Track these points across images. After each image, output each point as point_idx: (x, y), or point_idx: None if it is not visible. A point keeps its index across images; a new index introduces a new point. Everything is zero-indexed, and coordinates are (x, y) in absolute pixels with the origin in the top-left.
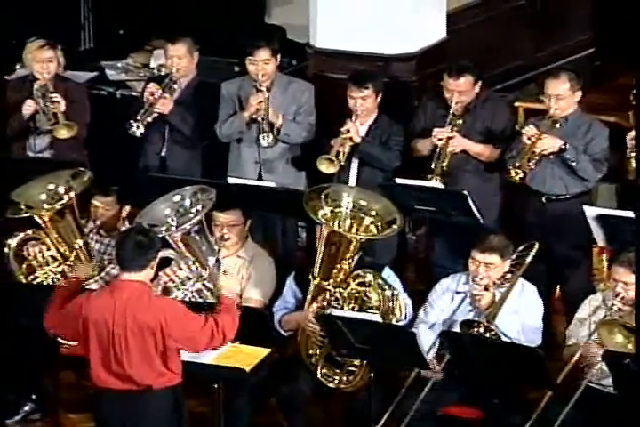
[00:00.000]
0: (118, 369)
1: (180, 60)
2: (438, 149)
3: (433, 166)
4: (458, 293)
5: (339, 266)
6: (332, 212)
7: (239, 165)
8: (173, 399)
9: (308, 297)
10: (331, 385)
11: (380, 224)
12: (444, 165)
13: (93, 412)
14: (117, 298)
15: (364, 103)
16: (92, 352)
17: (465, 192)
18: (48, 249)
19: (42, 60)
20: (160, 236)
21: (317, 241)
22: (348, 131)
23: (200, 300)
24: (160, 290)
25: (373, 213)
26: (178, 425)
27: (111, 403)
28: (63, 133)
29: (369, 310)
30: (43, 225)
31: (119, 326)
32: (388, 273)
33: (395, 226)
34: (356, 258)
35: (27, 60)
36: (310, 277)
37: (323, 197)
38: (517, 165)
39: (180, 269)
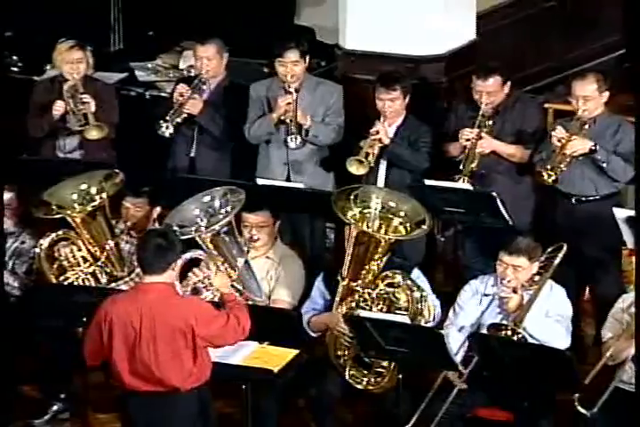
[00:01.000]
0: (145, 372)
1: (209, 61)
2: (467, 151)
3: (462, 167)
4: (486, 295)
5: (367, 267)
6: (360, 213)
7: (268, 166)
8: (200, 401)
9: (337, 298)
10: (359, 387)
11: (408, 225)
12: (474, 166)
13: (120, 413)
14: (143, 301)
15: (393, 105)
16: (117, 355)
17: (494, 193)
18: (79, 250)
19: (71, 61)
20: (189, 236)
21: (346, 242)
22: (377, 132)
23: None
24: (189, 290)
25: (402, 213)
26: (206, 424)
27: (137, 405)
28: (93, 134)
29: (397, 312)
30: (74, 226)
31: (147, 328)
32: (417, 274)
33: (424, 226)
34: (385, 259)
35: (56, 61)
36: (339, 278)
37: (352, 197)
38: (549, 167)
39: (209, 269)
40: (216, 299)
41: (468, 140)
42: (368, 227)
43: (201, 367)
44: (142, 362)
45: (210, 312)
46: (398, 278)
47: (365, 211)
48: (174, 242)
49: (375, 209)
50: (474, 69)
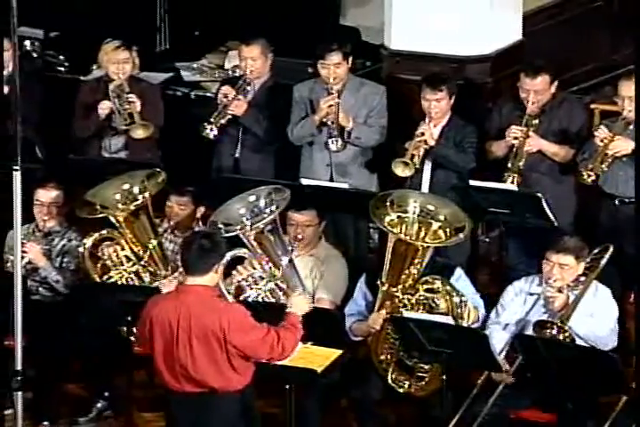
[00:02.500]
0: (183, 372)
1: (254, 61)
2: (515, 149)
3: (510, 165)
4: (531, 294)
5: (407, 272)
6: (398, 217)
7: (311, 167)
8: (241, 403)
9: (377, 304)
10: (401, 390)
11: (448, 230)
12: (521, 164)
13: (164, 412)
14: (182, 302)
15: (438, 105)
16: (158, 355)
17: (539, 194)
18: (122, 249)
19: (117, 62)
20: (234, 234)
21: (385, 247)
22: (423, 133)
23: (272, 300)
24: (233, 289)
25: (442, 217)
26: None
27: (179, 404)
28: (139, 133)
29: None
30: (117, 225)
31: (183, 329)
32: (459, 274)
33: (461, 235)
34: (424, 263)
35: (102, 62)
36: (378, 283)
37: (388, 203)
38: (590, 167)
39: (254, 268)
40: (259, 298)
41: (515, 138)
42: (407, 232)
43: (240, 371)
44: (180, 363)
45: (246, 321)
46: (438, 284)
47: (404, 215)
48: (219, 244)
49: (413, 213)
50: (522, 68)
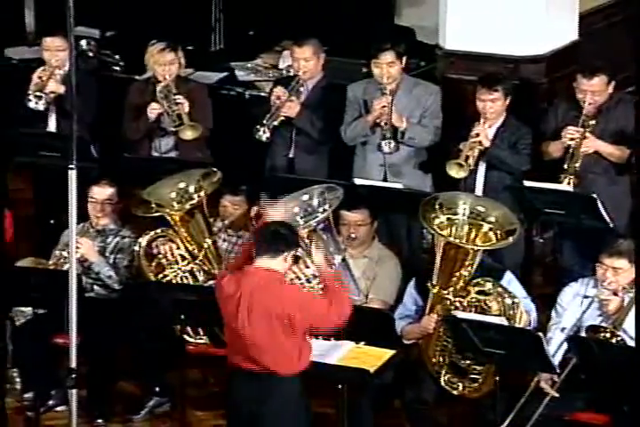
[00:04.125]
0: (244, 352)
1: (306, 62)
2: (571, 150)
3: (566, 167)
4: (586, 297)
5: (457, 274)
6: (448, 219)
7: (364, 167)
8: (300, 385)
9: (428, 306)
10: (455, 392)
11: (499, 232)
12: (577, 165)
13: (226, 390)
14: (246, 282)
15: (493, 106)
16: (226, 331)
17: (594, 195)
18: (177, 248)
19: (164, 63)
20: None
21: (435, 249)
22: (478, 134)
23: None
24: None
25: (492, 219)
26: (305, 410)
27: (240, 382)
28: (188, 134)
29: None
30: (172, 224)
31: (243, 309)
32: (509, 278)
33: (511, 238)
34: (475, 265)
35: (149, 63)
36: (429, 285)
37: (437, 206)
38: None
39: (307, 266)
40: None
41: (572, 139)
42: (456, 235)
43: (301, 354)
44: (240, 342)
45: (310, 298)
46: (489, 286)
47: (453, 217)
48: (293, 233)
49: (463, 215)
50: (578, 68)
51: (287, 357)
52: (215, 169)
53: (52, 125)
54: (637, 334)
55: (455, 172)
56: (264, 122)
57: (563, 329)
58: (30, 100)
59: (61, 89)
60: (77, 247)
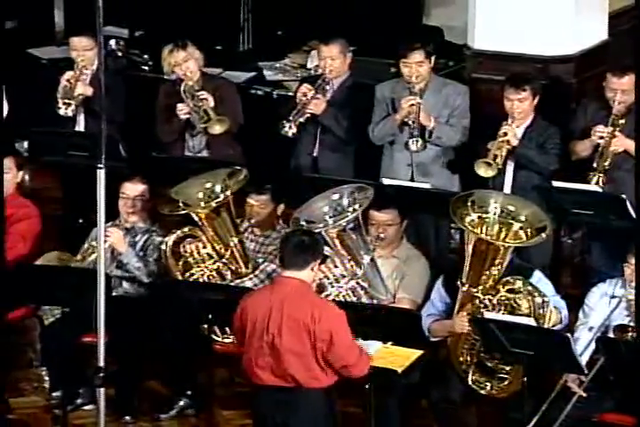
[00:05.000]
0: (272, 365)
1: (332, 60)
2: (600, 149)
3: (595, 165)
4: (613, 297)
5: (487, 272)
6: (479, 218)
7: (392, 167)
8: (327, 398)
9: (457, 304)
10: (482, 392)
11: (529, 230)
12: (606, 164)
13: (251, 408)
14: (276, 294)
15: (521, 105)
16: (247, 347)
17: (623, 196)
18: (204, 247)
19: (178, 63)
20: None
21: (465, 247)
22: (506, 134)
23: (354, 298)
24: (315, 286)
25: (522, 218)
26: (333, 424)
27: (265, 399)
28: (217, 129)
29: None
30: (199, 223)
31: (275, 321)
32: (538, 277)
33: (543, 234)
34: (505, 264)
35: (166, 68)
36: (458, 283)
37: (469, 204)
38: None
39: (335, 266)
40: (340, 297)
41: (601, 138)
42: (487, 233)
43: (326, 368)
44: (268, 355)
45: (341, 322)
46: (519, 284)
47: (484, 216)
48: (318, 242)
49: (494, 214)
50: (609, 68)
51: (314, 369)
52: (240, 168)
53: (80, 125)
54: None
55: (483, 171)
56: (290, 118)
57: (590, 329)
58: (60, 108)
59: (89, 91)
60: (107, 236)
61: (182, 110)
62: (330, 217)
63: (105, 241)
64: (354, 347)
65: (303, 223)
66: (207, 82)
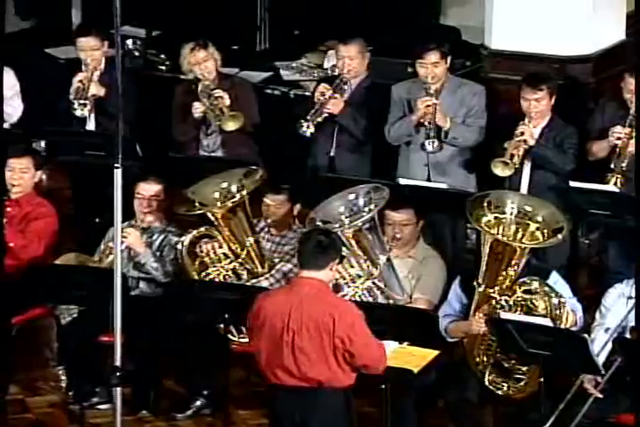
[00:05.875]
0: (291, 365)
1: (351, 60)
2: (618, 149)
3: (613, 166)
4: (630, 297)
5: (504, 273)
6: (495, 218)
7: (408, 167)
8: (345, 399)
9: (473, 305)
10: (499, 392)
11: (546, 231)
12: (624, 165)
13: (267, 407)
14: (295, 294)
15: (538, 105)
16: (264, 348)
17: None
18: (220, 246)
19: (197, 62)
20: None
21: (482, 247)
22: (522, 133)
23: (370, 298)
24: (331, 286)
25: (539, 219)
26: (350, 424)
27: (282, 399)
28: (230, 125)
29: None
30: (215, 223)
31: (295, 321)
32: (555, 278)
33: (560, 235)
34: (521, 264)
35: (184, 66)
36: (475, 284)
37: (485, 204)
38: None
39: (352, 266)
40: (356, 296)
41: (619, 138)
42: (504, 233)
43: (345, 368)
44: (287, 355)
45: (359, 321)
46: (535, 285)
47: (501, 216)
48: (336, 242)
49: (511, 214)
50: (627, 67)
51: (334, 369)
52: (256, 167)
53: (91, 125)
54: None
55: (500, 170)
56: (308, 117)
57: (607, 330)
58: (76, 109)
59: (102, 91)
60: (124, 237)
61: (197, 109)
62: (346, 217)
63: (122, 242)
64: (373, 345)
65: (319, 223)
66: (223, 81)
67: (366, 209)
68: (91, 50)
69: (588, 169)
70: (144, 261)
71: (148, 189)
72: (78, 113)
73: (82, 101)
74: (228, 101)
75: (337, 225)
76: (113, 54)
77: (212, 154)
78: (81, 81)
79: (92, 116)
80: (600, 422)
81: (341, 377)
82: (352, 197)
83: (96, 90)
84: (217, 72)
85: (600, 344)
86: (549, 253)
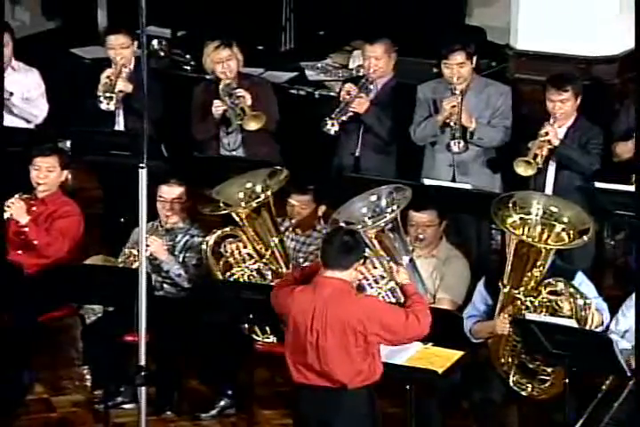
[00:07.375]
0: (315, 365)
1: (377, 60)
2: None
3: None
4: None
5: (529, 274)
6: (521, 219)
7: (433, 167)
8: (369, 399)
9: (498, 306)
10: (524, 393)
11: (571, 232)
12: None
13: (292, 407)
14: (319, 294)
15: (563, 106)
16: (288, 348)
17: None
18: (245, 246)
19: (221, 60)
20: None
21: (507, 248)
22: (547, 133)
23: (393, 299)
24: (354, 287)
25: (565, 219)
26: (374, 424)
27: (307, 399)
28: (252, 125)
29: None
30: (240, 223)
31: (319, 321)
32: (580, 279)
33: (585, 237)
34: (547, 265)
35: (207, 64)
36: (500, 285)
37: (510, 205)
38: None
39: (375, 267)
40: (379, 297)
41: None
42: (529, 233)
43: (371, 367)
44: (313, 356)
45: (387, 310)
46: (560, 286)
47: (526, 217)
48: (360, 242)
49: (536, 215)
50: None
51: (358, 370)
52: (281, 168)
53: (120, 124)
54: (637, 333)
55: (523, 169)
56: (332, 116)
57: (624, 333)
58: (102, 102)
59: (129, 88)
60: (147, 245)
61: (218, 107)
62: (368, 218)
63: (145, 250)
64: (411, 322)
65: (342, 224)
66: (242, 81)
67: (389, 210)
68: (120, 48)
69: (614, 170)
70: (167, 268)
71: (170, 192)
72: (104, 106)
73: (108, 94)
74: (249, 101)
75: (359, 226)
76: (139, 54)
77: (233, 152)
78: (108, 77)
79: (121, 115)
80: (626, 425)
81: (366, 376)
82: (374, 197)
83: (123, 86)
84: (237, 72)
85: (620, 346)
86: (575, 254)
